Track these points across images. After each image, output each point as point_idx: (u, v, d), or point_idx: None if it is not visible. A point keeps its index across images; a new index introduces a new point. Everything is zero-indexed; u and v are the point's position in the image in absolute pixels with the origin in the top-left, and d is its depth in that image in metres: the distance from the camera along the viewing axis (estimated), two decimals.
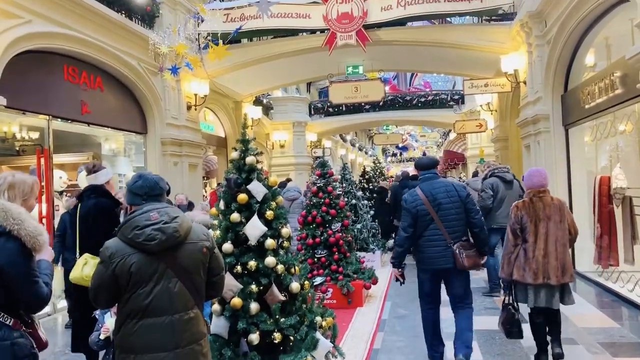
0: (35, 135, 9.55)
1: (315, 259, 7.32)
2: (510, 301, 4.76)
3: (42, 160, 7.58)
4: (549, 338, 4.68)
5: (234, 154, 4.13)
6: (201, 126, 12.55)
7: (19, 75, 7.11)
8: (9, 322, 2.52)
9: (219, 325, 3.83)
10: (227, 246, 3.91)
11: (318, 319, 4.08)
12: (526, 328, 4.76)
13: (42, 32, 7.32)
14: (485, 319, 6.34)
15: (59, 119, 8.33)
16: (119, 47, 9.07)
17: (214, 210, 4.14)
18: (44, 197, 7.43)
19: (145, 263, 2.44)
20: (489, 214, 7.33)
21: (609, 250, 7.85)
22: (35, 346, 2.71)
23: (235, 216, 3.94)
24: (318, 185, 7.67)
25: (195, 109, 11.53)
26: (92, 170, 5.01)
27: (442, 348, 4.83)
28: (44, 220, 7.39)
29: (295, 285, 3.96)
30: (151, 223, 2.44)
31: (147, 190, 2.60)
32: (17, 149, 10.16)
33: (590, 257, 8.38)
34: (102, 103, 9.19)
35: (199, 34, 9.93)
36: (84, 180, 9.12)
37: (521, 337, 4.78)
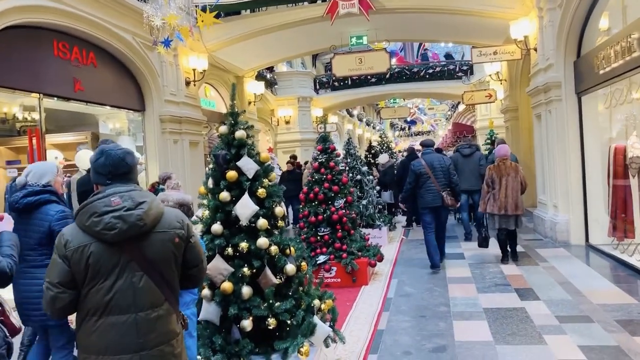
0: (36, 115, 9.30)
1: (318, 237, 7.08)
2: (484, 227, 8.26)
3: (34, 140, 7.34)
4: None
5: (222, 128, 3.85)
6: (202, 103, 12.23)
7: (6, 51, 6.80)
8: None
9: (209, 311, 3.60)
10: (217, 227, 3.66)
11: (316, 302, 3.83)
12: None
13: (30, 5, 6.96)
14: (495, 297, 6.11)
15: (54, 97, 8.05)
16: (111, 21, 8.71)
17: (202, 188, 3.88)
18: None
19: (104, 254, 2.13)
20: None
21: (624, 222, 7.54)
22: (8, 334, 2.50)
23: (224, 195, 3.68)
24: (320, 160, 7.39)
25: (195, 85, 11.21)
26: None
27: (437, 256, 7.67)
28: None
29: (290, 267, 3.71)
30: (111, 209, 2.13)
31: (111, 168, 2.26)
32: (18, 129, 9.95)
33: (605, 229, 8.07)
34: (97, 80, 8.88)
35: (194, 5, 9.56)
36: (82, 160, 8.93)
37: (487, 247, 8.10)
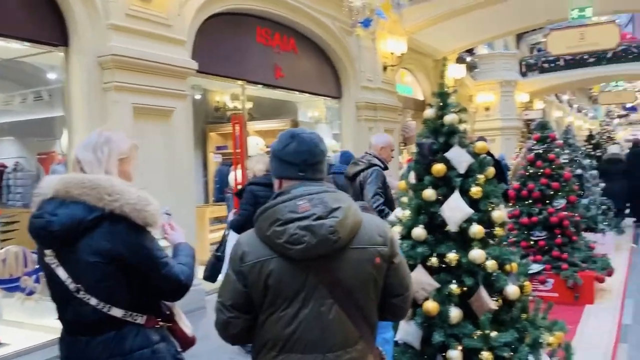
0: (240, 103, 9.69)
1: (532, 242, 6.04)
2: None
3: (237, 127, 7.48)
4: None
5: (429, 112, 3.19)
6: (398, 88, 11.70)
7: (211, 39, 6.92)
8: (141, 321, 1.96)
9: (409, 332, 2.98)
10: (419, 231, 3.02)
11: (545, 336, 2.98)
12: None
13: None
14: None
15: (257, 85, 8.18)
16: (312, 6, 8.54)
17: (402, 184, 3.26)
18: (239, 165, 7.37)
19: (287, 274, 1.63)
20: None
21: None
22: (180, 348, 2.15)
23: (429, 193, 3.02)
24: (536, 151, 6.31)
25: (392, 70, 10.70)
26: None
27: None
28: (239, 187, 7.33)
29: (512, 289, 2.91)
30: (298, 217, 1.60)
31: (307, 156, 1.72)
32: (228, 117, 10.53)
33: None
34: (296, 67, 8.83)
35: None
36: None
37: None
